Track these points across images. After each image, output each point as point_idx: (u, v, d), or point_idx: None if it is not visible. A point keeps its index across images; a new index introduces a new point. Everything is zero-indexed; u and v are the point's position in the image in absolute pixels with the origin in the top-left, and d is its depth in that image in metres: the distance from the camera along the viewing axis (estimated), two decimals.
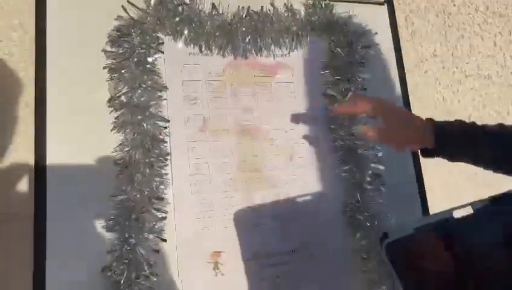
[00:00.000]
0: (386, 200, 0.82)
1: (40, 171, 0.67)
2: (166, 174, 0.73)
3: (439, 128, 0.68)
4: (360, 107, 0.70)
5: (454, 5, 1.19)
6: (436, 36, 1.18)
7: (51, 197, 0.66)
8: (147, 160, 0.70)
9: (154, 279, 0.68)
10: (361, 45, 0.87)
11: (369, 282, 0.80)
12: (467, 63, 1.18)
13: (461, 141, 0.67)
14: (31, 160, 0.68)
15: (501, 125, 0.69)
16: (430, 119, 0.70)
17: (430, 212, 0.89)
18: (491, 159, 0.68)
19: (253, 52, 0.84)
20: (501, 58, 1.22)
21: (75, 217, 0.67)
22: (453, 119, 0.71)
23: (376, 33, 0.89)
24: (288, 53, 0.86)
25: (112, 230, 0.67)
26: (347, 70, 0.86)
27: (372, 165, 0.83)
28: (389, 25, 0.96)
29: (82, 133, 0.71)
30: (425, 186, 0.90)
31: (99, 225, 0.67)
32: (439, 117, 0.71)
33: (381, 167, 0.83)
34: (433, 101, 1.21)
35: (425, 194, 0.90)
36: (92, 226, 0.67)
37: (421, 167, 0.91)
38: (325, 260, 0.79)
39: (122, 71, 0.73)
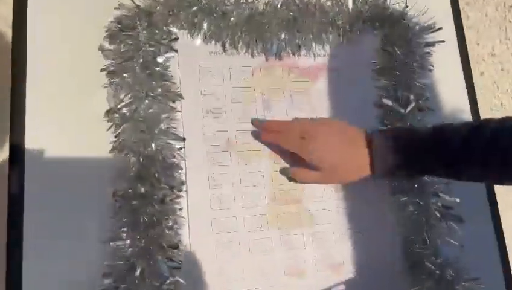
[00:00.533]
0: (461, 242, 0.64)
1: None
2: (180, 209, 0.55)
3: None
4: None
5: None
6: (495, 32, 1.01)
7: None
8: (156, 192, 0.53)
9: None
10: (424, 42, 0.70)
11: None
12: None
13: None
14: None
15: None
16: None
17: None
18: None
19: (290, 51, 0.66)
20: None
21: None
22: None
23: (441, 28, 0.71)
24: (333, 52, 0.69)
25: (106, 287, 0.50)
26: (406, 74, 0.69)
27: (441, 195, 0.65)
28: (452, 18, 0.78)
29: (72, 154, 0.54)
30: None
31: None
32: None
33: (454, 199, 0.65)
34: (490, 107, 1.03)
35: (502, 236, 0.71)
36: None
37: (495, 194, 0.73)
38: None
39: (125, 75, 0.56)
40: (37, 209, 0.51)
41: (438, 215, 0.64)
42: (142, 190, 0.52)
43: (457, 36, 0.78)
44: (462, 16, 0.94)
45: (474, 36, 0.99)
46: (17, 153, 0.52)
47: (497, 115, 0.95)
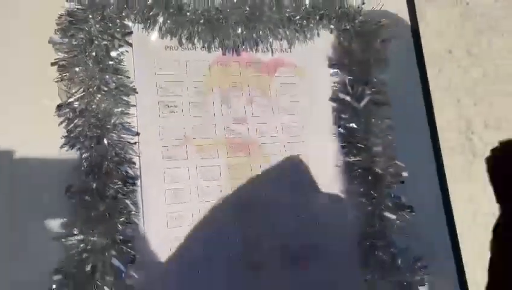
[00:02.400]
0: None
1: None
2: (134, 204, 0.55)
3: None
4: None
5: None
6: (451, 29, 1.04)
7: None
8: (108, 188, 0.53)
9: None
10: (380, 39, 0.71)
11: None
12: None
13: None
14: None
15: None
16: None
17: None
18: None
19: (247, 46, 0.67)
20: None
21: None
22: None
23: (395, 24, 0.73)
24: (290, 47, 0.70)
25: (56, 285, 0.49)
26: (362, 70, 0.70)
27: (393, 186, 0.67)
28: (407, 14, 0.80)
29: (23, 149, 0.53)
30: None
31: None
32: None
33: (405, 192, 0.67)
34: (444, 103, 1.06)
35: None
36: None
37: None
38: None
39: (77, 69, 0.55)
40: None
41: (390, 205, 0.66)
42: (94, 185, 0.52)
43: (413, 32, 0.80)
44: (420, 12, 0.97)
45: (431, 32, 1.01)
46: None
47: (452, 112, 0.98)
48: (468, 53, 0.98)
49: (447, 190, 0.76)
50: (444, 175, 0.76)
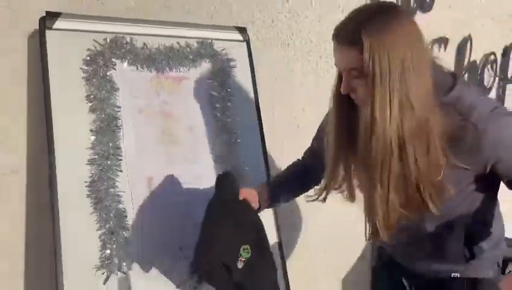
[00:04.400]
0: None
1: None
2: None
3: None
4: None
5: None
6: (279, 54, 1.91)
7: None
8: None
9: None
10: (228, 69, 1.55)
11: None
12: None
13: None
14: None
15: None
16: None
17: None
18: None
19: (168, 69, 1.46)
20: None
21: None
22: None
23: (236, 66, 1.58)
24: (188, 70, 1.50)
25: None
26: (222, 81, 1.53)
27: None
28: (247, 59, 1.64)
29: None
30: None
31: None
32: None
33: None
34: (272, 115, 1.91)
35: None
36: None
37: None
38: None
39: (94, 80, 1.31)
40: None
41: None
42: None
43: (250, 63, 1.65)
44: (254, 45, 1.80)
45: (269, 60, 1.87)
46: None
47: (284, 129, 1.83)
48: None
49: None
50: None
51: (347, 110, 1.03)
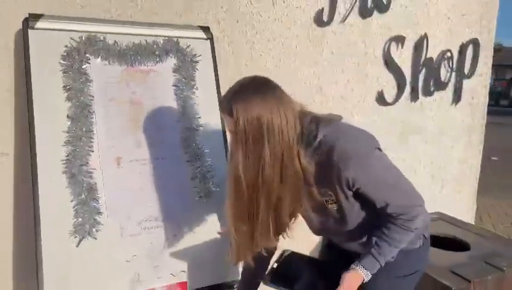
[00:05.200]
0: None
1: None
2: None
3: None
4: None
5: None
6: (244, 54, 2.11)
7: None
8: None
9: None
10: (193, 64, 1.75)
11: None
12: None
13: None
14: None
15: None
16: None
17: None
18: None
19: (137, 63, 1.66)
20: None
21: None
22: None
23: (200, 60, 1.78)
24: (155, 64, 1.70)
25: None
26: (186, 74, 1.73)
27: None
28: (211, 55, 1.84)
29: None
30: None
31: None
32: None
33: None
34: None
35: None
36: None
37: None
38: None
39: (70, 73, 1.51)
40: None
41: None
42: None
43: (213, 59, 1.85)
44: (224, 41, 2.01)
45: (235, 56, 2.07)
46: None
47: None
48: None
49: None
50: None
51: None
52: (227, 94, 1.17)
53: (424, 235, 1.38)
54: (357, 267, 1.23)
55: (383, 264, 1.23)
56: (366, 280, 1.23)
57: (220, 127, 1.79)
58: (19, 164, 1.61)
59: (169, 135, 1.68)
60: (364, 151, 1.16)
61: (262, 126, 1.09)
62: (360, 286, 1.24)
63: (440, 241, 2.17)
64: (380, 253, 1.22)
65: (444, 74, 2.58)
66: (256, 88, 1.13)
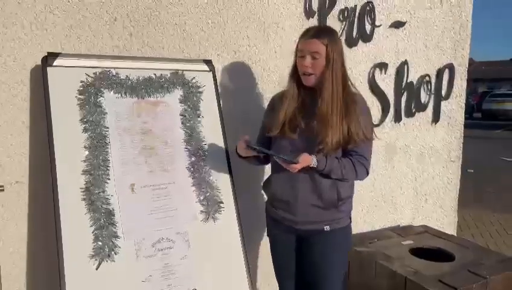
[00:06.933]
0: None
1: None
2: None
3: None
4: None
5: None
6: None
7: None
8: None
9: None
10: (198, 94, 1.89)
11: None
12: None
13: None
14: None
15: None
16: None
17: None
18: None
19: (147, 96, 1.79)
20: None
21: None
22: None
23: (204, 91, 1.92)
24: (164, 96, 1.83)
25: None
26: (192, 104, 1.87)
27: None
28: (213, 86, 1.99)
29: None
30: None
31: None
32: None
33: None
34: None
35: None
36: None
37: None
38: None
39: (86, 106, 1.63)
40: None
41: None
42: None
43: (215, 89, 1.99)
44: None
45: (234, 85, 2.22)
46: None
47: None
48: None
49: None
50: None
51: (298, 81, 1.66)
52: (316, 27, 1.91)
53: (350, 218, 1.77)
54: (313, 156, 1.55)
55: (324, 170, 1.58)
56: (311, 165, 1.55)
57: (224, 152, 1.93)
58: (38, 194, 1.72)
59: (178, 161, 1.80)
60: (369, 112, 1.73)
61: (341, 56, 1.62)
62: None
63: (426, 253, 2.34)
64: (331, 164, 1.58)
65: (423, 96, 2.79)
66: (335, 32, 1.68)
